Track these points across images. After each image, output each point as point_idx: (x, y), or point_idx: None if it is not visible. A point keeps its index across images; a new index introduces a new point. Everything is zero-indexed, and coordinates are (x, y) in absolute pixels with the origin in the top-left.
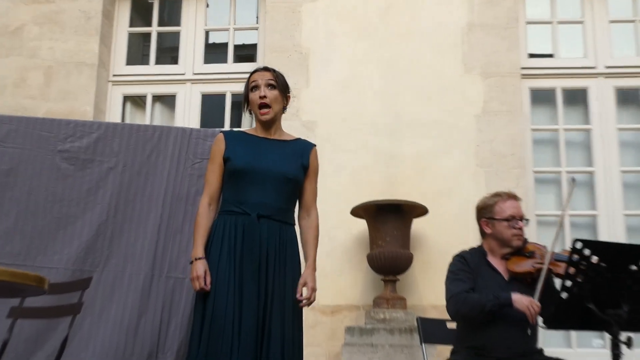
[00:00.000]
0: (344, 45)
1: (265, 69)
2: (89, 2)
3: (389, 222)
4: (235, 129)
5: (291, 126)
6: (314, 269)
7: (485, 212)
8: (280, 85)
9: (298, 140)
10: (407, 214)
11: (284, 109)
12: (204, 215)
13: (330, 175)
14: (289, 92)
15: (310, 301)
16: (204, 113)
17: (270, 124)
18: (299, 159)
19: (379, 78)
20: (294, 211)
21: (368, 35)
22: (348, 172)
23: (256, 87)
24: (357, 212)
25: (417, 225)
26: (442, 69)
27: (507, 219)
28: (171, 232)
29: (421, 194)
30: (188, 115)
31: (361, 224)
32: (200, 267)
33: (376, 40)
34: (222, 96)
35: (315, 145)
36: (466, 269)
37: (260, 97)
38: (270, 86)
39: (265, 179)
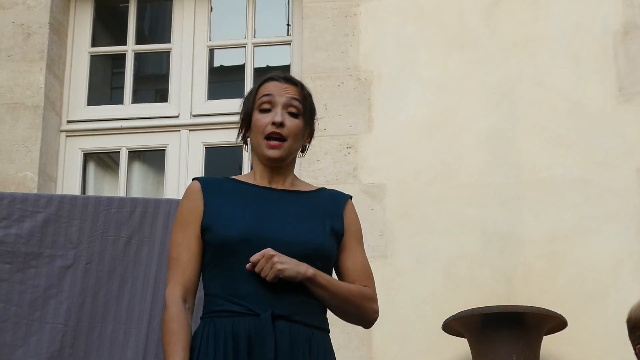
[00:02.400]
0: (428, 64)
1: (288, 79)
2: (29, 11)
3: (505, 341)
4: (219, 177)
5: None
6: (308, 269)
7: (638, 333)
8: (307, 112)
9: (321, 191)
10: (533, 329)
11: (303, 148)
12: (179, 318)
13: (409, 270)
14: (314, 120)
15: (260, 264)
16: (210, 175)
17: (280, 167)
18: (326, 220)
19: (483, 114)
20: (325, 309)
21: (466, 47)
22: (438, 265)
23: (269, 104)
24: (453, 327)
25: (550, 345)
26: (584, 97)
27: None
28: None
29: (556, 297)
30: (185, 180)
31: (460, 346)
32: None
33: (479, 55)
34: (236, 150)
35: (350, 197)
36: None
37: (274, 123)
38: (292, 110)
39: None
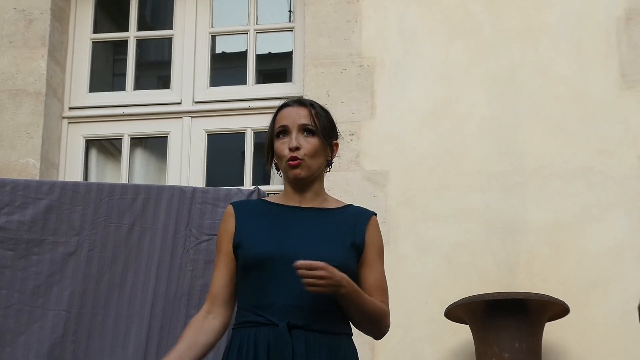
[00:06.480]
0: (430, 51)
1: (300, 102)
2: None
3: (507, 328)
4: (253, 199)
5: (348, 180)
6: (352, 286)
7: None
8: (322, 128)
9: (348, 207)
10: (535, 316)
11: (328, 163)
12: (192, 326)
13: (412, 258)
14: (336, 138)
15: (310, 271)
16: (212, 162)
17: (306, 186)
18: (347, 236)
19: (486, 101)
20: (344, 316)
21: (468, 35)
22: (440, 252)
23: (284, 132)
24: (455, 313)
25: (553, 332)
26: (587, 85)
27: None
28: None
29: (558, 284)
30: (187, 167)
31: (462, 333)
32: None
33: (481, 43)
34: (239, 136)
35: (374, 214)
36: None
37: (291, 149)
38: (306, 131)
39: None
